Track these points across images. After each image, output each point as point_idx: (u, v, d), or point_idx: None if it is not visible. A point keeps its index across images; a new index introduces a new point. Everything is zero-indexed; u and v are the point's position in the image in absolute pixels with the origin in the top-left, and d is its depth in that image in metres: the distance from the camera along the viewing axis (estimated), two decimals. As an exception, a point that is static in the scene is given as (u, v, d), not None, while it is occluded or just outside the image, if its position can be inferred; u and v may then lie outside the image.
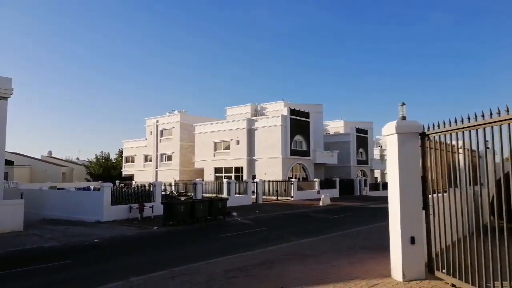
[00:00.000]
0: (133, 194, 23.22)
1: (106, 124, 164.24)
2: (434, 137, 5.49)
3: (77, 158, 76.96)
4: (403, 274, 5.50)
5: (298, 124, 41.28)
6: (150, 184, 24.05)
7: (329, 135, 55.17)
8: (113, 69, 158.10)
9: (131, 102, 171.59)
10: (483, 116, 4.33)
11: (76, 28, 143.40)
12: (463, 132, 4.87)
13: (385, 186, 55.48)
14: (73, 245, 13.83)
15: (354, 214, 24.50)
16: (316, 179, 39.89)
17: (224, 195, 28.45)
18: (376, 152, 65.01)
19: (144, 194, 23.58)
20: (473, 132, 4.70)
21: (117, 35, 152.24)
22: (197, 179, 32.80)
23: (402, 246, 5.56)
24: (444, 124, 5.13)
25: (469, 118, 4.62)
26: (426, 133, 5.63)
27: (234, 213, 22.46)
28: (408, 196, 5.59)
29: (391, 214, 6.01)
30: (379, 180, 62.71)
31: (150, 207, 21.86)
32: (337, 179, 42.77)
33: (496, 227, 4.53)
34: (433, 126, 5.40)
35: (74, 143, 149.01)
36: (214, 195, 29.26)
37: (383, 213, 23.83)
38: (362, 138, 53.97)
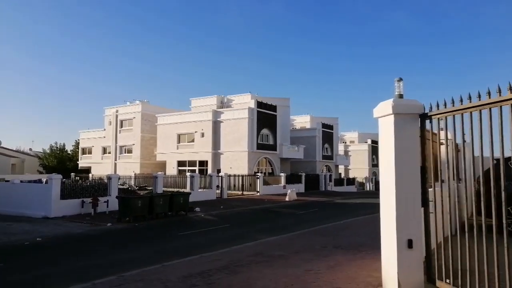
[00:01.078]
0: (86, 188, 21.39)
1: (63, 114, 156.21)
2: (438, 119, 4.55)
3: (30, 149, 72.05)
4: (399, 284, 4.56)
5: (265, 118, 40.36)
6: (105, 177, 22.23)
7: (296, 130, 54.76)
8: (74, 55, 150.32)
9: (91, 91, 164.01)
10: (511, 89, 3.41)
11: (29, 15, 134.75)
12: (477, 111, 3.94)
13: (349, 181, 56.10)
14: (11, 245, 12.07)
15: (321, 209, 23.92)
16: (282, 174, 39.22)
17: (187, 190, 27.06)
18: (340, 148, 65.53)
19: (99, 188, 21.80)
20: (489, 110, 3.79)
21: (82, 19, 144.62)
22: (158, 173, 31.11)
23: (397, 251, 4.61)
24: (453, 102, 4.20)
25: (489, 94, 3.69)
26: (428, 114, 4.70)
27: (197, 209, 21.17)
28: (405, 190, 4.64)
29: (384, 212, 5.05)
30: (343, 175, 63.27)
31: (105, 202, 20.17)
32: (303, 174, 42.36)
33: (481, 226, 3.76)
34: (437, 105, 4.47)
35: (28, 134, 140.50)
36: (177, 189, 27.76)
37: (350, 208, 23.39)
38: (328, 134, 54.00)
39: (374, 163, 71.43)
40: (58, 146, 58.37)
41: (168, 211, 18.49)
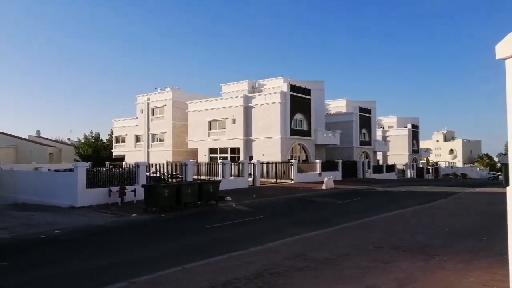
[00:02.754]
0: (115, 176, 20.54)
1: (100, 104, 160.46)
2: None
3: (68, 139, 73.88)
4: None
5: (299, 102, 38.25)
6: (133, 164, 21.27)
7: (331, 115, 52.15)
8: (105, 44, 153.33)
9: (126, 80, 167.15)
10: None
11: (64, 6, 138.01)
12: None
13: (388, 168, 53.07)
14: (25, 239, 11.12)
15: (362, 198, 21.90)
16: (317, 161, 37.19)
17: (219, 178, 25.81)
18: (378, 133, 62.24)
19: (128, 176, 20.90)
20: None
21: (109, 10, 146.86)
22: (189, 160, 30.10)
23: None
24: None
25: None
26: None
27: (228, 198, 19.78)
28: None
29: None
30: (381, 162, 60.15)
31: (132, 191, 19.16)
32: (340, 161, 40.12)
33: None
34: None
35: (66, 124, 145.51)
36: (208, 177, 26.62)
37: (394, 198, 21.06)
38: (365, 118, 51.05)
39: (414, 148, 67.58)
40: (93, 135, 59.03)
41: (197, 200, 17.21)
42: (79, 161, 52.90)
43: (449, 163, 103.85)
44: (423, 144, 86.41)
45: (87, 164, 19.03)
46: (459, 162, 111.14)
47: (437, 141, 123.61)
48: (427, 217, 12.99)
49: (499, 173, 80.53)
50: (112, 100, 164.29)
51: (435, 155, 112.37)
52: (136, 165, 20.72)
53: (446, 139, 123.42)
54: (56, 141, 67.83)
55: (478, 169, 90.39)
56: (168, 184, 16.61)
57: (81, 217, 14.70)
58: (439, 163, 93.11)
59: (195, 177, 29.52)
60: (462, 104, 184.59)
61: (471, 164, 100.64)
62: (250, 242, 8.97)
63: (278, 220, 13.68)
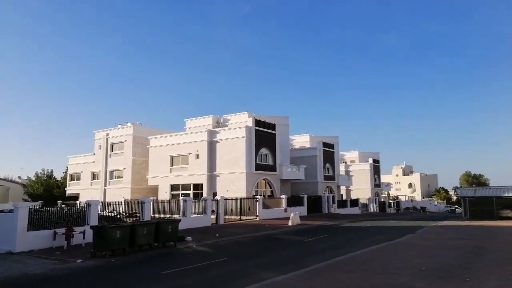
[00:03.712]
0: (62, 216, 18.58)
1: (55, 141, 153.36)
2: None
3: (19, 177, 68.93)
4: None
5: (264, 137, 37.87)
6: (84, 203, 19.41)
7: (295, 150, 52.13)
8: (64, 78, 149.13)
9: (84, 116, 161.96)
10: None
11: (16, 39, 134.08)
12: None
13: (352, 203, 53.12)
14: None
15: (331, 235, 21.08)
16: (283, 196, 36.39)
17: (180, 216, 24.25)
18: (341, 168, 62.83)
19: (77, 216, 18.99)
20: None
21: (72, 40, 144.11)
22: (147, 198, 28.33)
23: None
24: None
25: None
26: None
27: (189, 238, 18.29)
28: None
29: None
30: (344, 196, 60.34)
31: (81, 232, 17.29)
32: (305, 196, 39.55)
33: None
34: None
35: (18, 161, 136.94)
36: (169, 216, 24.96)
37: (364, 233, 20.39)
38: (329, 153, 51.46)
39: (376, 183, 68.65)
40: (45, 172, 55.33)
41: (154, 242, 15.67)
42: (28, 201, 49.00)
43: (408, 196, 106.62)
44: (383, 179, 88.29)
45: (29, 204, 17.00)
46: (418, 196, 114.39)
47: (397, 175, 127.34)
48: (401, 255, 12.34)
49: (456, 206, 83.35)
50: (68, 136, 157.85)
51: (395, 189, 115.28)
52: (87, 204, 18.90)
53: (405, 173, 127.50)
54: (5, 180, 63.00)
55: (436, 202, 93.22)
56: (120, 224, 14.99)
57: (16, 265, 12.76)
58: (399, 197, 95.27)
59: (154, 215, 27.68)
60: (419, 139, 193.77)
61: (429, 198, 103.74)
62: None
63: (243, 262, 12.47)
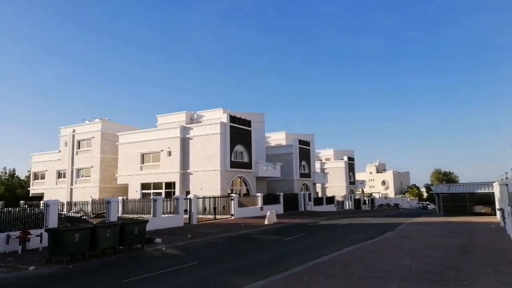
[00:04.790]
0: (18, 218, 16.95)
1: (19, 138, 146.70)
2: None
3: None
4: None
5: (239, 133, 36.77)
6: (42, 203, 17.81)
7: (271, 147, 51.28)
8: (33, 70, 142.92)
9: (50, 111, 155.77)
10: None
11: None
12: None
13: (328, 200, 52.88)
14: None
15: (308, 234, 20.26)
16: (259, 194, 35.44)
17: (150, 216, 22.88)
18: (317, 166, 62.54)
19: (36, 218, 17.39)
20: None
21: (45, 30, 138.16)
22: (118, 197, 26.76)
23: None
24: None
25: None
26: None
27: (158, 240, 17.01)
28: None
29: None
30: (320, 194, 60.15)
31: (38, 236, 15.71)
32: (281, 194, 38.78)
33: None
34: None
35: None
36: (139, 216, 23.52)
37: (341, 232, 19.53)
38: (305, 151, 50.93)
39: (351, 180, 68.90)
40: (7, 171, 52.18)
41: (118, 245, 14.31)
42: (-13, 201, 45.92)
43: (382, 194, 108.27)
44: (358, 176, 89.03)
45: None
46: (391, 193, 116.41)
47: (370, 173, 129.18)
48: (385, 254, 11.59)
49: (428, 203, 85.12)
50: (34, 133, 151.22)
51: (369, 186, 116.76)
52: (45, 204, 17.31)
53: (378, 171, 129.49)
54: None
55: (408, 199, 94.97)
56: (79, 226, 13.54)
57: (-45, 275, 11.16)
58: (373, 194, 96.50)
59: (124, 216, 26.13)
60: (391, 136, 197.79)
61: (402, 195, 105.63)
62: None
63: (217, 267, 11.37)
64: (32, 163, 48.36)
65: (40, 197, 44.19)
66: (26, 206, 30.88)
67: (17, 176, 53.58)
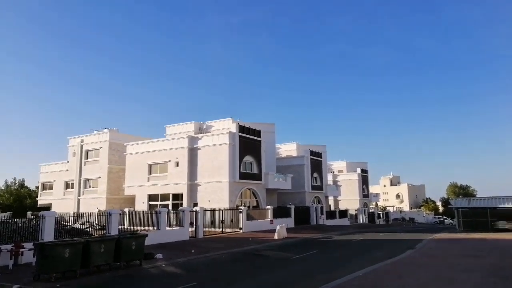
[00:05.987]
0: (15, 230, 16.09)
1: (29, 148, 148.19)
2: None
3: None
4: None
5: (249, 144, 35.67)
6: (39, 215, 16.88)
7: (282, 158, 49.97)
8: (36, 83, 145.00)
9: (59, 121, 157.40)
10: None
11: None
12: None
13: (341, 214, 51.06)
14: None
15: (321, 250, 18.83)
16: (269, 207, 34.06)
17: (154, 229, 21.81)
18: (329, 178, 60.85)
19: (33, 230, 16.51)
20: None
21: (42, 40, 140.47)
22: (125, 209, 25.81)
23: None
24: None
25: None
26: None
27: (159, 255, 15.83)
28: None
29: None
30: (332, 207, 58.33)
31: (31, 250, 14.65)
32: (292, 207, 37.30)
33: None
34: None
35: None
36: (145, 228, 22.51)
37: (358, 249, 17.98)
38: (317, 162, 49.49)
39: (364, 193, 66.92)
40: (16, 182, 51.92)
41: (113, 261, 13.18)
42: (-5, 212, 45.59)
43: (397, 207, 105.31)
44: (372, 189, 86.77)
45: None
46: (406, 206, 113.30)
47: (384, 185, 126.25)
48: (409, 280, 10.17)
49: (444, 217, 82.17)
50: (44, 144, 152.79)
51: (383, 199, 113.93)
52: (42, 216, 16.37)
53: (392, 183, 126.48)
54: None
55: (424, 213, 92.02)
56: (70, 241, 12.46)
57: None
58: (387, 207, 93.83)
59: (130, 228, 25.16)
60: (406, 149, 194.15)
61: (418, 209, 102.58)
62: None
63: (216, 289, 10.12)
64: (41, 174, 47.97)
65: (47, 207, 43.67)
66: (33, 217, 30.21)
67: (26, 187, 53.29)
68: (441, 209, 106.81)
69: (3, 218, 19.17)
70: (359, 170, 66.48)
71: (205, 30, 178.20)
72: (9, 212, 39.62)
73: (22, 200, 49.61)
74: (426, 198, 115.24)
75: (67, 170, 44.55)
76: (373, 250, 18.54)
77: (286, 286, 10.06)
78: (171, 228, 23.08)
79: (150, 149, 37.75)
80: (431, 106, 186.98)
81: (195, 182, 34.45)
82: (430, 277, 10.49)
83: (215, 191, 33.17)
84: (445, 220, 76.40)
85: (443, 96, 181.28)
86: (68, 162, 44.92)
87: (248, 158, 35.49)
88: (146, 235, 15.02)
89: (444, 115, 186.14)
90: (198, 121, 42.01)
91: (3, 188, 50.58)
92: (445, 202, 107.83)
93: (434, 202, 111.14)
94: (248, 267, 14.00)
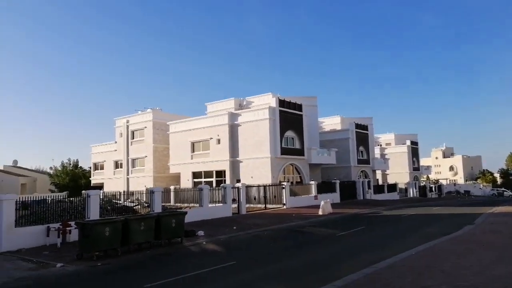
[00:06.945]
0: (64, 209, 16.60)
1: (82, 129, 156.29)
2: None
3: (50, 168, 69.55)
4: None
5: (290, 118, 34.66)
6: (84, 193, 17.32)
7: (325, 132, 48.44)
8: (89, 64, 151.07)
9: (107, 103, 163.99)
10: None
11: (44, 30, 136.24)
12: None
13: (390, 188, 49.04)
14: None
15: (369, 226, 17.82)
16: (312, 182, 33.20)
17: (197, 206, 21.86)
18: (376, 151, 58.42)
19: (81, 208, 16.95)
20: None
21: (95, 27, 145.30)
22: (158, 187, 26.06)
23: None
24: None
25: None
26: None
27: (200, 232, 15.67)
28: None
29: None
30: (380, 181, 56.20)
31: (76, 228, 15.04)
32: (337, 182, 36.16)
33: None
34: None
35: (49, 152, 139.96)
36: (191, 205, 22.62)
37: (408, 225, 16.28)
38: (362, 135, 47.47)
39: (415, 166, 63.82)
40: (71, 162, 54.76)
41: (154, 239, 13.11)
42: (54, 191, 48.55)
43: (450, 180, 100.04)
44: (422, 162, 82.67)
45: (15, 196, 14.87)
46: (460, 179, 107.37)
47: (436, 158, 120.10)
48: (470, 259, 9.03)
49: (503, 189, 76.80)
50: (94, 125, 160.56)
51: (435, 172, 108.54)
52: (87, 195, 16.71)
53: (445, 155, 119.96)
54: (36, 171, 63.45)
55: (481, 185, 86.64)
56: (110, 219, 12.48)
57: (-13, 270, 10.55)
58: (440, 180, 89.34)
59: (176, 205, 25.46)
60: (459, 119, 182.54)
61: (473, 181, 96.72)
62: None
63: (255, 269, 9.62)
64: (92, 154, 50.21)
65: (100, 186, 45.75)
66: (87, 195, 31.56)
67: (80, 167, 56.07)
68: (499, 181, 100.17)
69: (59, 198, 20.02)
70: (408, 142, 63.33)
71: (244, 5, 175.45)
72: (65, 192, 41.82)
73: (77, 180, 52.33)
74: (483, 170, 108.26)
75: (115, 150, 46.16)
76: (425, 226, 17.23)
77: (330, 265, 9.33)
78: (214, 205, 23.04)
79: (191, 127, 37.90)
80: (488, 75, 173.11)
81: (237, 158, 34.22)
82: (495, 256, 9.27)
83: (257, 167, 32.78)
84: (505, 192, 71.49)
85: (499, 65, 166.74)
86: (116, 142, 46.51)
87: (289, 133, 34.59)
88: (186, 213, 14.81)
89: (503, 82, 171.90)
90: (238, 98, 41.50)
91: (60, 169, 53.55)
92: (505, 173, 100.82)
93: (491, 174, 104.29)
94: (290, 245, 13.40)
